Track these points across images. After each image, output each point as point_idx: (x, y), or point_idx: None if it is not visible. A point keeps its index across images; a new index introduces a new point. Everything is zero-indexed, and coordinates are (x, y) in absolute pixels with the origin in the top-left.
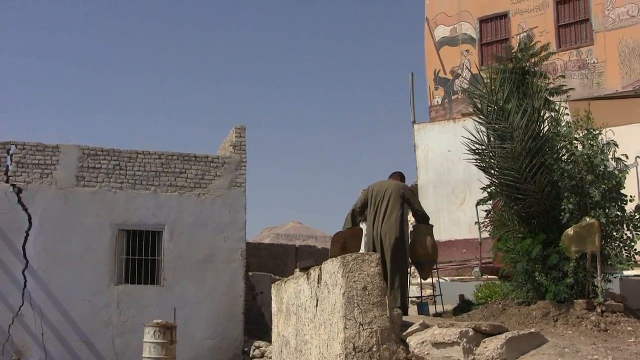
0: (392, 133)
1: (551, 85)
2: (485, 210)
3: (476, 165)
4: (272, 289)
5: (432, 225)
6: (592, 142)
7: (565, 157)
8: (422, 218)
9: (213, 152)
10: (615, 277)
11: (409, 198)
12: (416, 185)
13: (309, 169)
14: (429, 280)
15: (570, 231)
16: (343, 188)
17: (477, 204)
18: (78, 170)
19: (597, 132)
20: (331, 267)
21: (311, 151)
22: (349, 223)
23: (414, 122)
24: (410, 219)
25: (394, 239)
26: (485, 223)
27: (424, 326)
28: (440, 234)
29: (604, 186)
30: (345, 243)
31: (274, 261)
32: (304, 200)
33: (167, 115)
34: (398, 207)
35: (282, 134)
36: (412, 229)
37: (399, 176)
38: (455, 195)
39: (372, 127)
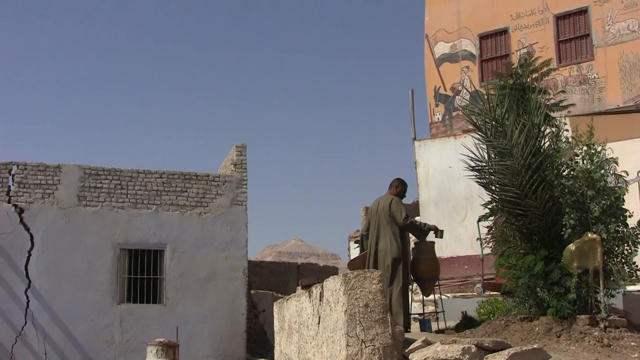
0: (393, 150)
1: (552, 101)
2: (487, 227)
3: (477, 181)
4: (274, 306)
5: (433, 242)
6: (592, 158)
7: (565, 172)
8: (411, 228)
9: (214, 170)
10: (618, 293)
11: (393, 211)
12: (417, 202)
13: (310, 187)
14: (431, 296)
15: (572, 247)
16: (344, 206)
17: (479, 220)
18: (79, 190)
19: (599, 147)
20: (333, 284)
21: (313, 169)
22: (360, 249)
23: (414, 138)
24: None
25: (391, 260)
26: (487, 239)
27: (427, 343)
28: (442, 250)
29: (604, 202)
30: (362, 268)
31: (276, 279)
32: (306, 218)
33: (168, 134)
34: (388, 222)
35: (284, 152)
36: (414, 246)
37: (395, 185)
38: (457, 212)
39: (373, 144)
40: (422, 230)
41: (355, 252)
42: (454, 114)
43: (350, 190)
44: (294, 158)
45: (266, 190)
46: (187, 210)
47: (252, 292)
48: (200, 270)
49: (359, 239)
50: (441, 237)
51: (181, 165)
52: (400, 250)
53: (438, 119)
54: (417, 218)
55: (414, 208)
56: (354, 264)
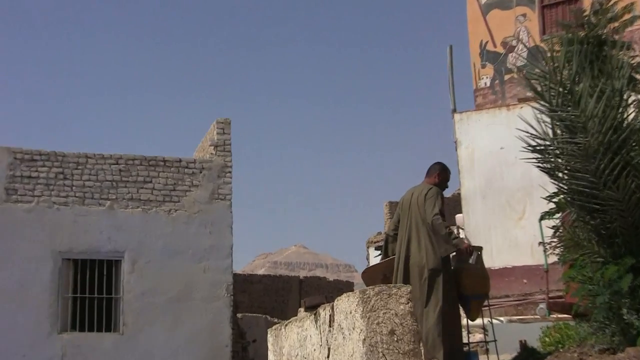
0: (427, 127)
1: (638, 59)
2: (553, 227)
3: (538, 166)
4: (269, 335)
5: (481, 247)
6: None
7: None
8: (436, 230)
9: (188, 154)
10: None
11: (425, 203)
12: (458, 194)
13: (317, 178)
14: (479, 321)
15: None
16: (362, 202)
17: (541, 218)
18: (8, 181)
19: None
20: (347, 304)
21: (321, 155)
22: (382, 253)
23: (454, 110)
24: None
25: (428, 271)
26: (553, 244)
27: None
28: (493, 259)
29: None
30: (385, 279)
31: (271, 298)
32: (311, 218)
33: (128, 108)
34: (425, 222)
35: (282, 131)
36: (454, 253)
37: (436, 172)
38: (512, 208)
39: (400, 122)
40: (447, 241)
41: (374, 261)
42: (506, 77)
43: (370, 182)
44: (297, 140)
45: (258, 181)
46: (152, 207)
47: (239, 315)
48: (170, 287)
49: (382, 243)
50: (474, 262)
51: (145, 148)
52: (440, 259)
53: (485, 84)
54: (458, 217)
55: (454, 203)
56: (371, 275)
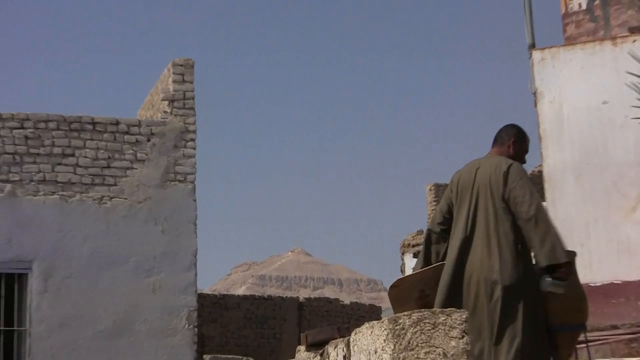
0: (490, 73)
1: None
2: None
3: None
4: None
5: (574, 252)
6: None
7: None
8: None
9: (130, 115)
10: None
11: (512, 191)
12: (539, 173)
13: (323, 153)
14: None
15: None
16: (392, 190)
17: None
18: None
19: None
20: (370, 340)
21: (328, 118)
22: (421, 259)
23: (532, 46)
24: None
25: (501, 290)
26: None
27: None
28: (593, 270)
29: None
30: (424, 297)
31: (255, 331)
32: (317, 213)
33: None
34: (499, 211)
35: (266, 81)
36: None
37: (511, 139)
38: (621, 192)
39: (449, 66)
40: (562, 247)
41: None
42: None
43: (407, 158)
44: (294, 94)
45: (236, 154)
46: (75, 194)
47: (207, 358)
48: (101, 315)
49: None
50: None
51: (68, 107)
52: (521, 273)
53: (580, 5)
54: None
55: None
56: (403, 292)
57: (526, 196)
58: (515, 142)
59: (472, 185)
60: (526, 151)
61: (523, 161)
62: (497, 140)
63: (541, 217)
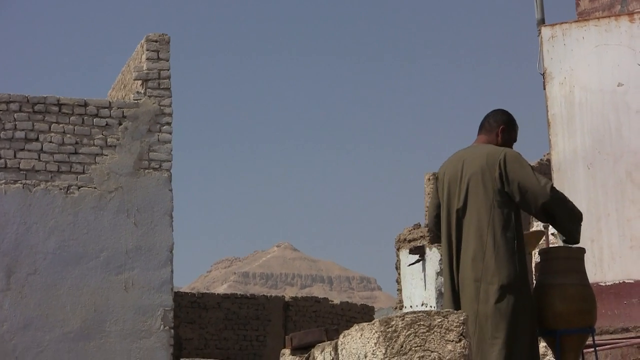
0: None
1: None
2: None
3: None
4: None
5: (583, 249)
6: None
7: None
8: (562, 207)
9: (100, 95)
10: None
11: (513, 178)
12: (547, 162)
13: (312, 138)
14: None
15: None
16: (386, 180)
17: None
18: None
19: None
20: (360, 343)
21: (319, 99)
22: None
23: (541, 21)
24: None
25: (497, 289)
26: None
27: None
28: (603, 268)
29: None
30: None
31: (236, 333)
32: (304, 204)
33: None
34: (494, 207)
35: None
36: (538, 259)
37: (499, 125)
38: (636, 184)
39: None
40: (575, 217)
41: (411, 272)
42: None
43: (402, 147)
44: (282, 81)
45: (216, 140)
46: (39, 182)
47: None
48: (68, 316)
49: (420, 242)
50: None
51: (29, 86)
52: (519, 270)
53: None
54: None
55: (540, 173)
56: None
57: (533, 180)
58: (504, 129)
59: (459, 179)
60: (515, 140)
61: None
62: (484, 127)
63: (559, 197)
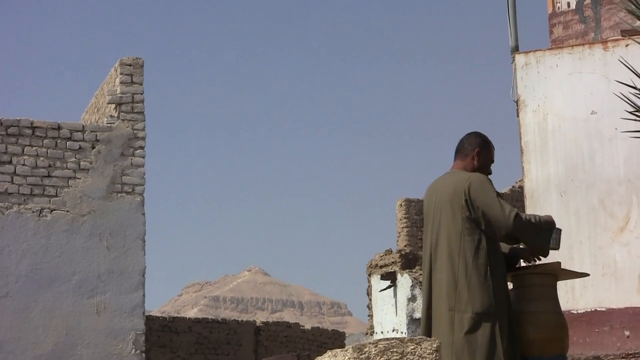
0: (471, 78)
1: None
2: None
3: None
4: None
5: (559, 263)
6: None
7: None
8: (527, 232)
9: (74, 119)
10: None
11: (478, 205)
12: (519, 189)
13: (284, 163)
14: None
15: None
16: (358, 205)
17: None
18: None
19: None
20: None
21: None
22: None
23: (515, 49)
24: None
25: (471, 317)
26: None
27: None
28: (575, 295)
29: None
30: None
31: (208, 357)
32: (275, 229)
33: None
34: (464, 235)
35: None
36: (511, 285)
37: (474, 149)
38: (608, 211)
39: (423, 67)
40: (544, 233)
41: (383, 297)
42: None
43: (376, 172)
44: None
45: (189, 164)
46: (11, 205)
47: None
48: (39, 339)
49: (391, 268)
50: (556, 247)
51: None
52: (493, 297)
53: (568, 4)
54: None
55: (514, 202)
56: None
57: (497, 210)
58: (479, 152)
59: (433, 207)
60: (492, 160)
61: (489, 171)
62: (459, 152)
63: (522, 225)
